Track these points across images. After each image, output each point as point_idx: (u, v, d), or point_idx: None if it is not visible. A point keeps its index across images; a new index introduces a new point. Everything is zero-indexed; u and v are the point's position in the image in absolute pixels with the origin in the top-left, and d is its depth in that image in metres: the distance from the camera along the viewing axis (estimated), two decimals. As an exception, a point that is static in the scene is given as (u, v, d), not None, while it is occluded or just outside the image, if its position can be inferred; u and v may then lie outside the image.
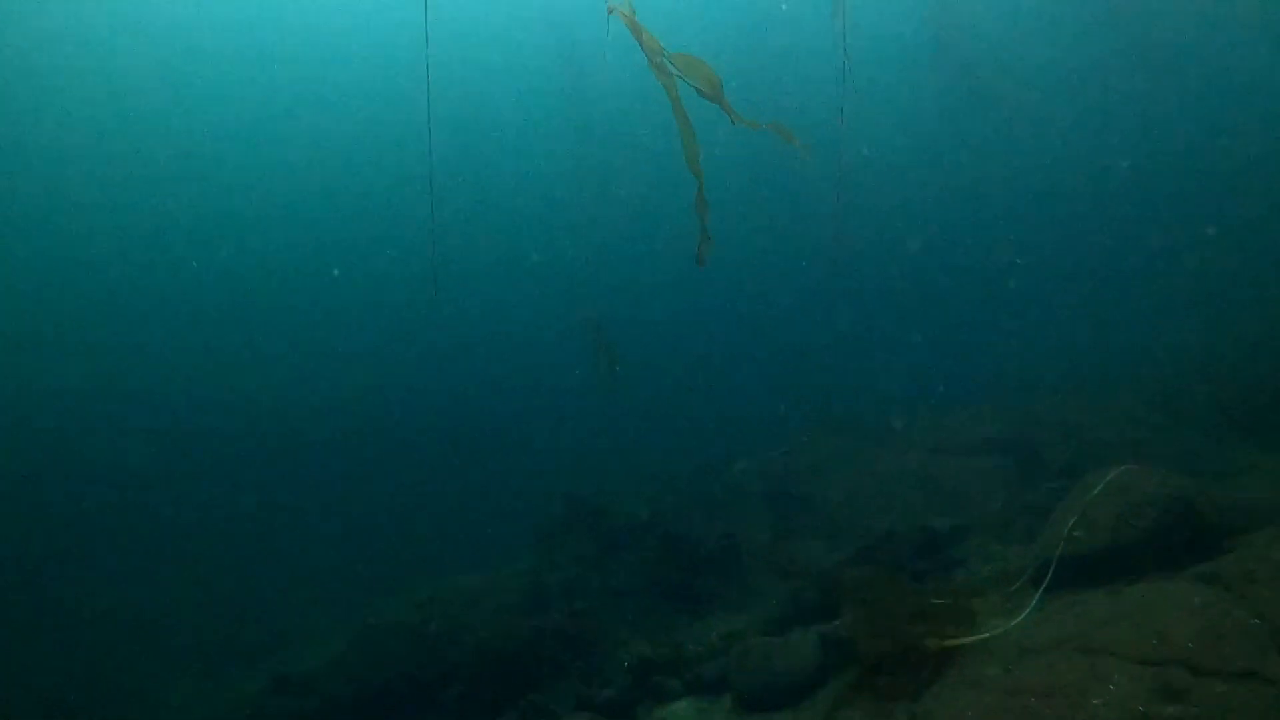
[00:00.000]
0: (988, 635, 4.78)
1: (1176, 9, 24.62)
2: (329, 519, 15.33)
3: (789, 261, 20.15)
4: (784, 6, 22.13)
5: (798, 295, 19.42)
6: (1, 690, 9.59)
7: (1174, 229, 19.57)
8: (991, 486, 9.33)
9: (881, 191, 23.65)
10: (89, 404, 20.69)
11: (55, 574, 13.54)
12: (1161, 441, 8.78)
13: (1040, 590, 5.09)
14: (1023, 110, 25.27)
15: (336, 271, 24.39)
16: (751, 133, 5.82)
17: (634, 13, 4.71)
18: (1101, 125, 25.62)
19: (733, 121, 5.20)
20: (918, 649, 4.91)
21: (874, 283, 19.54)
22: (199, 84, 24.42)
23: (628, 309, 18.05)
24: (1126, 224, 21.47)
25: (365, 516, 15.10)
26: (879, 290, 19.42)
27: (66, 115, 21.18)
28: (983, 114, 24.57)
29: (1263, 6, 23.17)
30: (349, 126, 27.49)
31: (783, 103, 21.52)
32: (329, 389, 20.89)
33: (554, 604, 8.66)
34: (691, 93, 5.27)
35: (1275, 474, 7.30)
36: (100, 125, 22.89)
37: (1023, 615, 4.90)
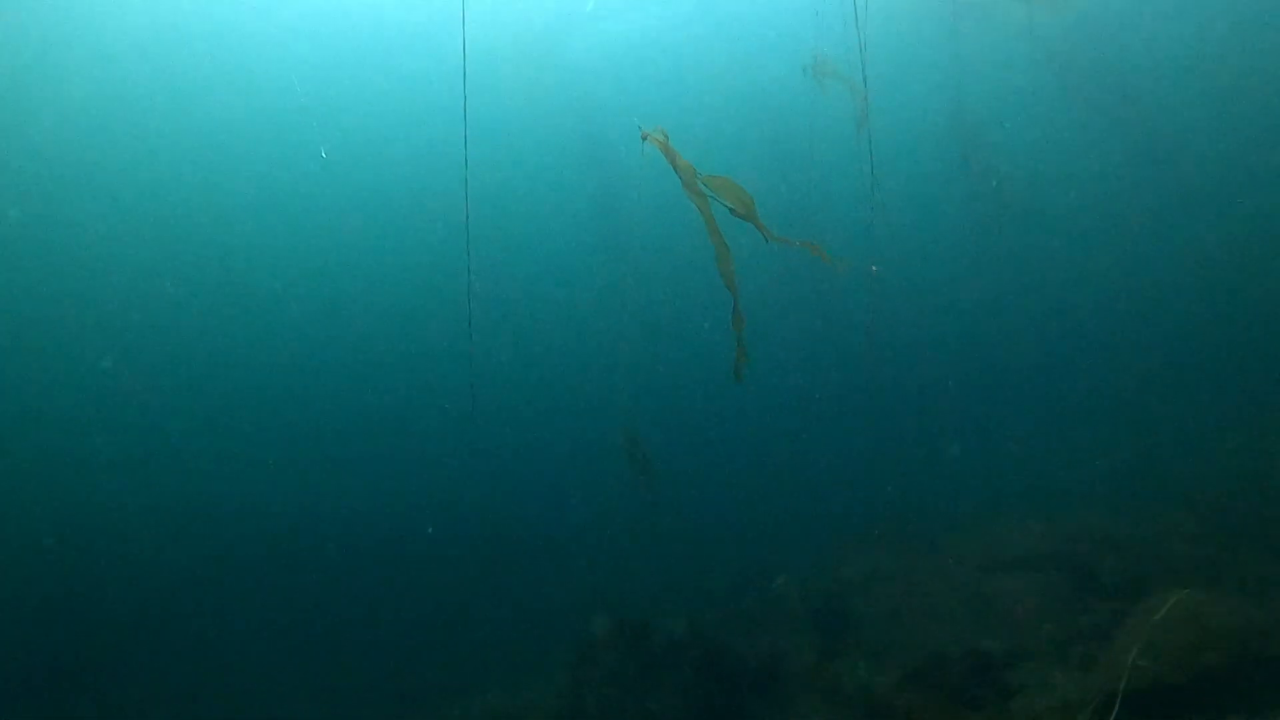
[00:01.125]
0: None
1: (1203, 118, 25.02)
2: (354, 629, 15.00)
3: (825, 371, 20.06)
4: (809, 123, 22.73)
5: (835, 404, 19.24)
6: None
7: (1218, 334, 19.28)
8: (1044, 605, 8.86)
9: (914, 299, 23.68)
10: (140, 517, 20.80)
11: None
12: (1223, 562, 8.31)
13: (1106, 726, 4.71)
14: (1050, 217, 25.46)
15: (370, 385, 24.79)
16: (785, 247, 5.84)
17: (667, 138, 4.81)
18: (1133, 230, 25.66)
19: (766, 239, 5.23)
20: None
21: (911, 390, 19.32)
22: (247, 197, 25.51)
23: (664, 420, 17.96)
24: (1168, 328, 21.22)
25: (394, 627, 14.77)
26: (917, 398, 19.17)
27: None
28: (1010, 222, 24.70)
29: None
30: (383, 252, 28.35)
31: (812, 215, 21.90)
32: (362, 495, 20.87)
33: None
34: (725, 211, 5.33)
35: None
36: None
37: (1089, 754, 4.52)
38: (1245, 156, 26.03)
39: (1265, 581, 7.52)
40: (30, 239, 22.27)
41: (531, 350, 24.95)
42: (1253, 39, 23.49)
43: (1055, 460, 16.34)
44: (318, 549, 18.46)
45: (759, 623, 10.49)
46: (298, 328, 26.04)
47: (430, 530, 18.38)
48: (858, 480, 16.98)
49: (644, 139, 4.76)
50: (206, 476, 21.49)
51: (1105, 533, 10.03)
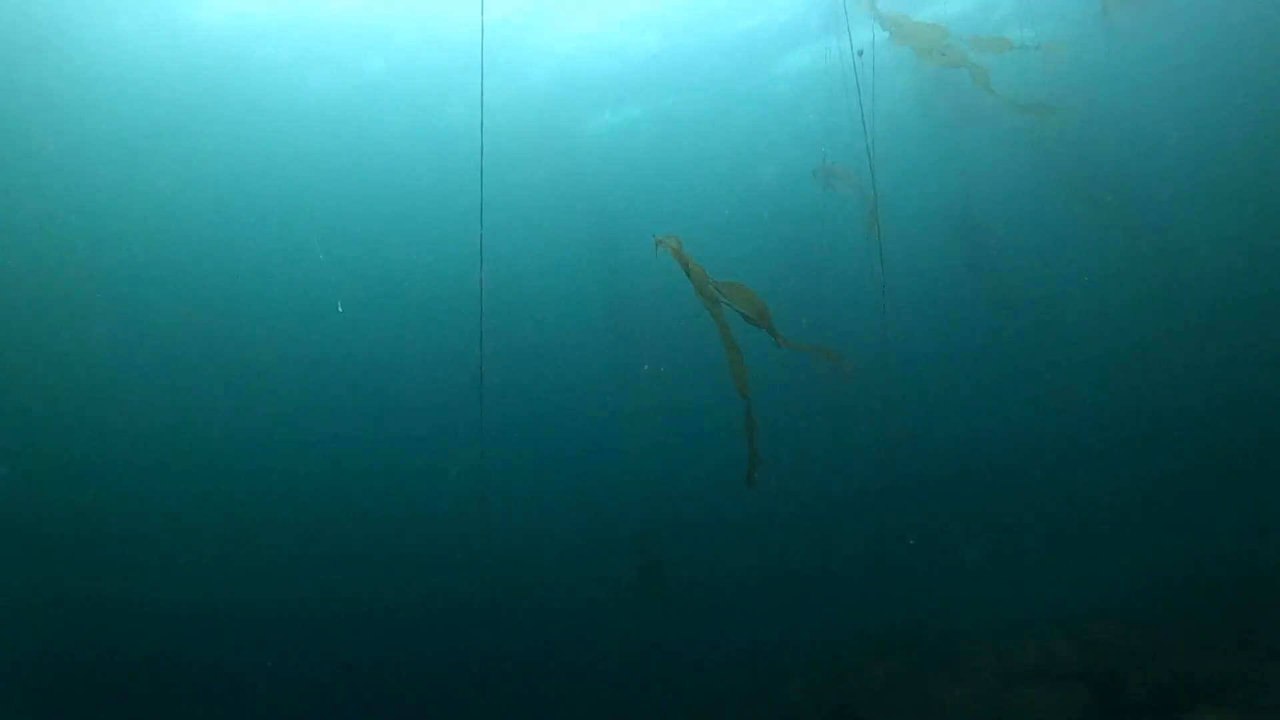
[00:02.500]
0: None
1: (1201, 219, 25.53)
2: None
3: (839, 476, 19.87)
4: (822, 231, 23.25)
5: (849, 509, 18.94)
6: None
7: (1239, 432, 19.08)
8: (1069, 721, 8.50)
9: (927, 401, 23.66)
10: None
11: None
12: (1256, 680, 7.99)
13: None
14: (1058, 317, 25.64)
15: (381, 479, 24.63)
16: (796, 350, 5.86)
17: (680, 244, 4.90)
18: (1139, 332, 25.81)
19: (778, 344, 5.26)
20: None
21: (926, 495, 19.04)
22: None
23: (675, 522, 17.71)
24: (1186, 428, 21.02)
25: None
26: (932, 503, 18.87)
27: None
28: (1019, 323, 24.86)
29: None
30: (396, 344, 28.62)
31: (823, 317, 22.12)
32: (367, 591, 20.45)
33: None
34: (738, 316, 5.38)
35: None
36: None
37: None
38: (1244, 253, 26.46)
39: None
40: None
41: (543, 449, 24.87)
42: (1249, 140, 24.15)
43: (1077, 567, 15.92)
44: (314, 644, 18.01)
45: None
46: (304, 429, 26.01)
47: (429, 632, 17.96)
48: (872, 587, 16.58)
49: (658, 245, 4.85)
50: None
51: (1131, 646, 9.69)
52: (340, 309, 25.17)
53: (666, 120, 24.28)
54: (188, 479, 24.05)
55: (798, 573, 18.15)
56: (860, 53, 7.45)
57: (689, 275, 4.95)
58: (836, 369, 6.06)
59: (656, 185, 26.46)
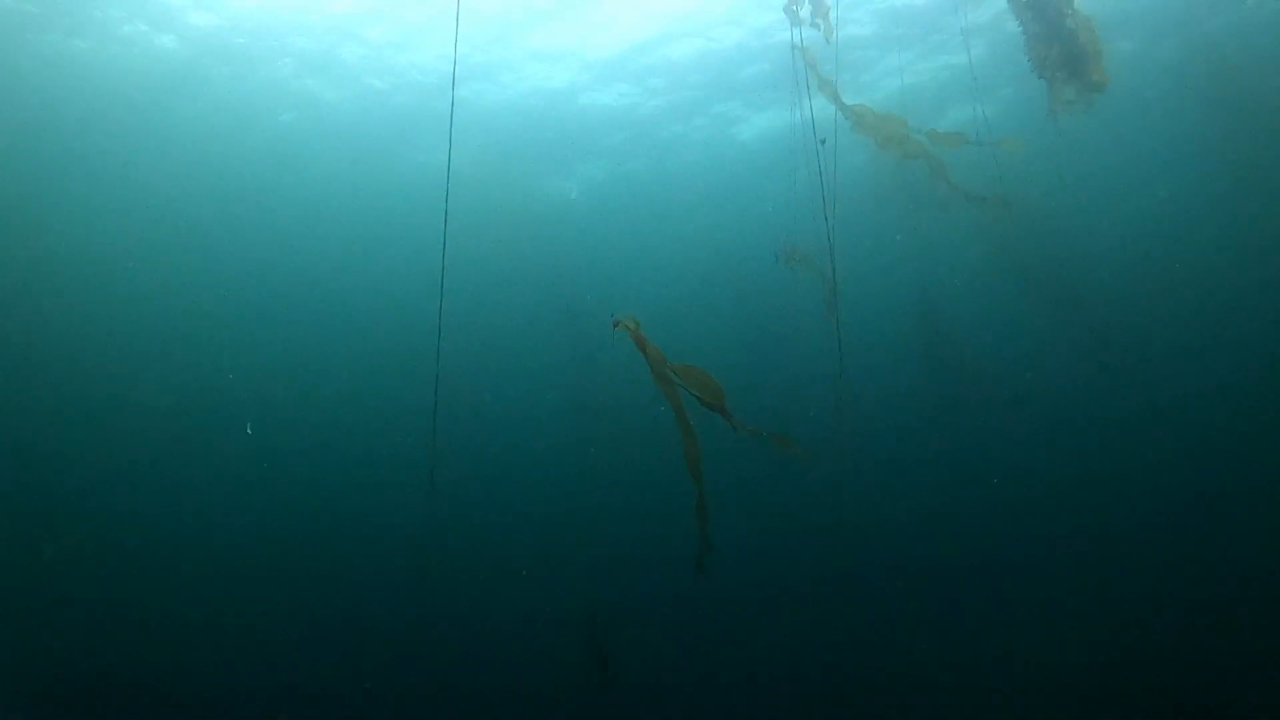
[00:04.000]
0: None
1: (1147, 306, 26.45)
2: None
3: (792, 562, 19.67)
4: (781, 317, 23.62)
5: (801, 596, 18.67)
6: None
7: (1187, 524, 19.33)
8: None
9: (883, 485, 23.70)
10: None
11: None
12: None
13: None
14: (1014, 401, 26.12)
15: (324, 551, 23.88)
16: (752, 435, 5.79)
17: (638, 325, 4.85)
18: (1092, 417, 26.37)
19: (735, 430, 5.18)
20: None
21: (881, 582, 18.86)
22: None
23: (624, 607, 17.30)
24: (1144, 515, 21.27)
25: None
26: (887, 590, 18.69)
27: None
28: (976, 407, 25.23)
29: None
30: (352, 415, 28.18)
31: (781, 399, 22.28)
32: (306, 670, 19.60)
33: None
34: (694, 399, 5.31)
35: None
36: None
37: None
38: (1192, 343, 27.39)
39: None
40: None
41: (492, 527, 24.33)
42: (1196, 234, 25.21)
43: (1037, 654, 15.83)
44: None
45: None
46: (253, 507, 25.22)
47: (374, 691, 17.21)
48: (825, 675, 16.28)
49: (615, 326, 4.79)
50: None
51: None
52: (249, 430, 24.83)
53: (634, 199, 24.68)
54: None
55: (747, 661, 17.78)
56: (823, 141, 7.60)
57: (646, 356, 4.89)
58: (793, 453, 5.98)
59: (621, 260, 26.73)
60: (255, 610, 20.48)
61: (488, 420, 27.29)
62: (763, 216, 21.87)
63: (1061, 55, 8.16)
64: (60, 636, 18.33)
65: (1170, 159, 22.87)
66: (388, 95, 18.28)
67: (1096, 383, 26.35)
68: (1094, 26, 8.01)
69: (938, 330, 24.32)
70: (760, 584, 18.43)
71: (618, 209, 24.56)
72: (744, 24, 16.73)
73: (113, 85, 16.69)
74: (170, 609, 20.76)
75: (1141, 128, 20.62)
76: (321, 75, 17.41)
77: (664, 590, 16.76)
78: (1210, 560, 17.82)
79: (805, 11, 8.08)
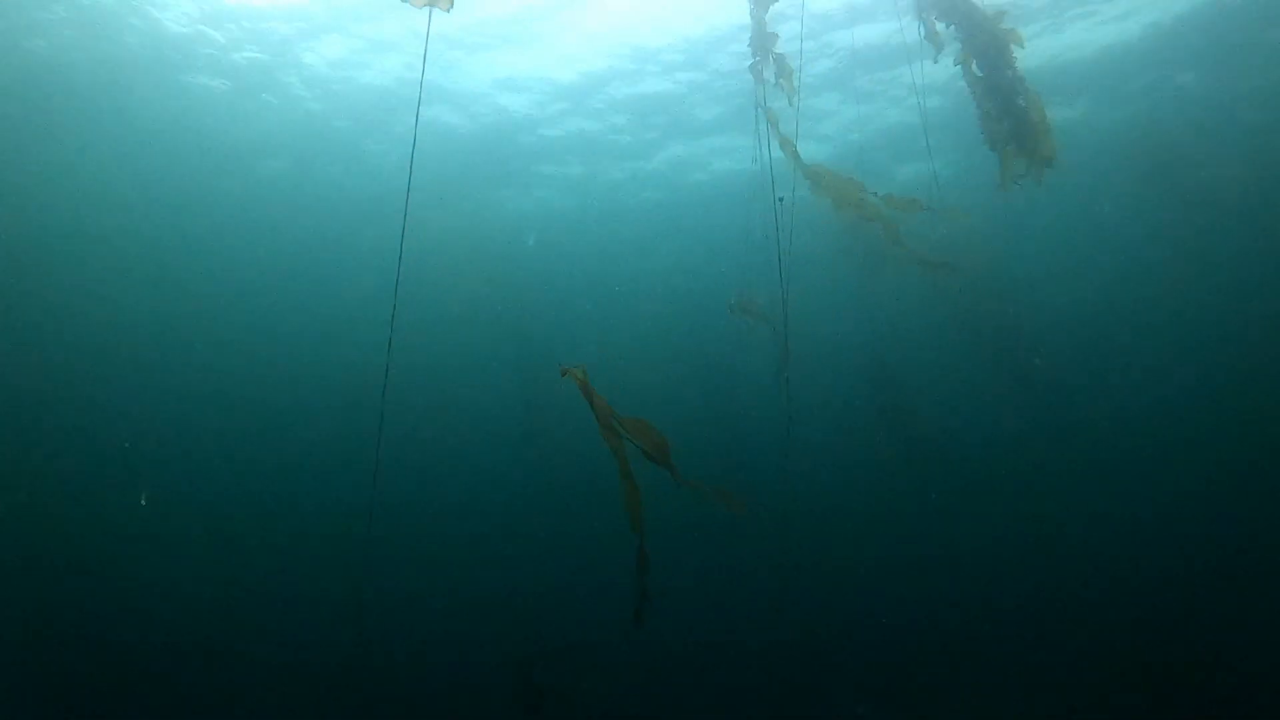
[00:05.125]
0: None
1: (1094, 372, 27.28)
2: None
3: (735, 622, 19.56)
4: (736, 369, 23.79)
5: (745, 656, 18.52)
6: None
7: (1131, 589, 19.67)
8: None
9: (829, 544, 23.81)
10: None
11: None
12: None
13: None
14: (963, 463, 26.57)
15: (254, 590, 23.21)
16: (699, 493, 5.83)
17: (586, 375, 4.87)
18: (1042, 483, 26.95)
19: (678, 483, 5.21)
20: None
21: (826, 646, 18.75)
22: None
23: (561, 659, 17.00)
24: (1089, 579, 21.57)
25: None
26: (832, 654, 18.59)
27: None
28: (925, 468, 25.60)
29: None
30: (292, 445, 27.70)
31: (728, 452, 22.37)
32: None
33: None
34: (638, 451, 5.33)
35: None
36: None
37: None
38: (1133, 405, 28.31)
39: None
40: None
41: (427, 560, 23.90)
42: (1138, 301, 26.17)
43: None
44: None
45: None
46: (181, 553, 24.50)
47: None
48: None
49: (563, 375, 4.81)
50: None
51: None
52: (143, 501, 24.38)
53: (587, 245, 24.84)
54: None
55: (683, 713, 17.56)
56: (781, 199, 7.76)
57: (592, 406, 4.91)
58: (737, 508, 6.01)
59: (574, 305, 26.83)
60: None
61: (431, 459, 27.00)
62: (719, 265, 22.17)
63: (1012, 130, 8.48)
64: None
65: (1115, 227, 23.83)
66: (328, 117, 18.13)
67: (1038, 442, 27.01)
68: (1042, 105, 8.36)
69: (887, 388, 24.77)
70: (701, 645, 18.25)
71: (570, 251, 24.72)
72: (706, 66, 16.99)
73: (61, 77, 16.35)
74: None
75: (1087, 198, 21.47)
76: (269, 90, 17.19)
77: (602, 637, 16.54)
78: (1156, 623, 18.14)
79: (769, 72, 8.30)
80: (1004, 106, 8.23)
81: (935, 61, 8.42)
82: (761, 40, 7.72)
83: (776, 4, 7.79)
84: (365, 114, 17.96)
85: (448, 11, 5.34)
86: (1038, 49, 15.96)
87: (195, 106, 17.34)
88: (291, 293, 25.12)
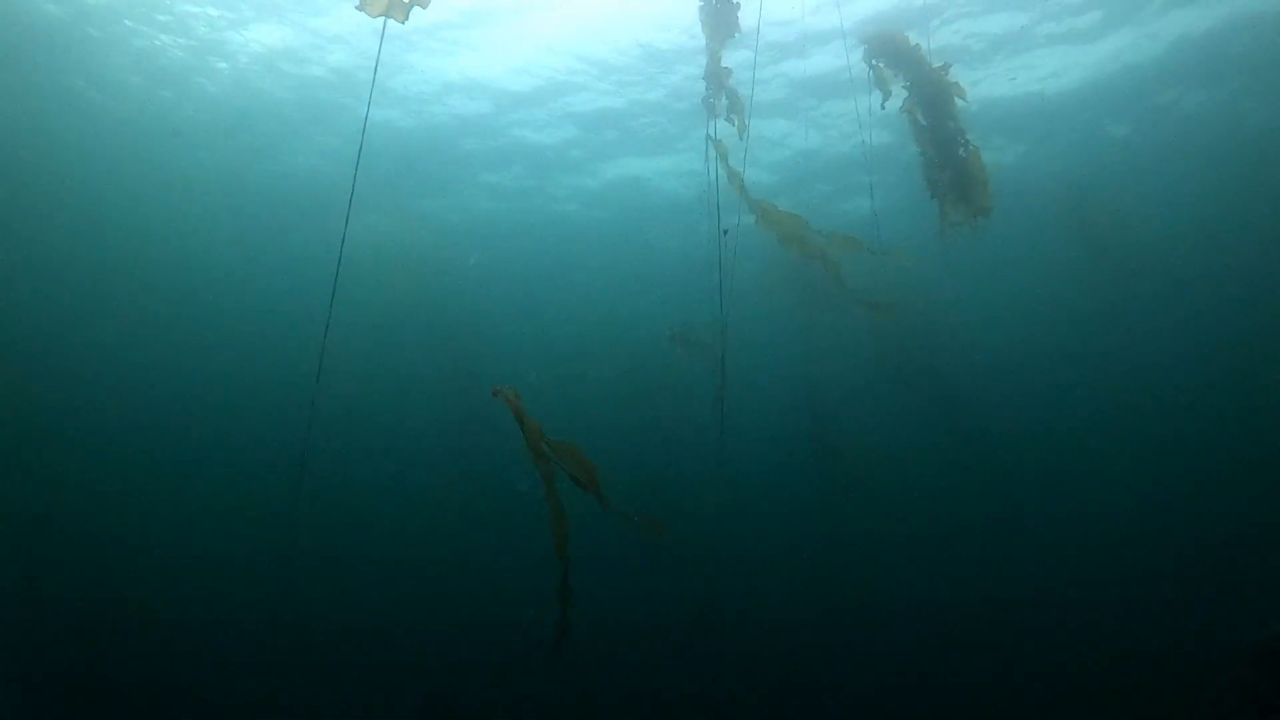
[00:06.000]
0: None
1: (1018, 412, 28.15)
2: None
3: (655, 650, 19.44)
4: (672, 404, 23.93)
5: (663, 688, 18.36)
6: None
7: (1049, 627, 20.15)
8: None
9: (757, 574, 23.99)
10: None
11: None
12: None
13: None
14: (892, 501, 27.10)
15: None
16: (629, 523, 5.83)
17: (518, 396, 4.86)
18: (968, 518, 27.63)
19: (603, 509, 5.21)
20: None
21: (751, 675, 18.72)
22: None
23: (476, 685, 16.70)
24: (1012, 621, 22.03)
25: None
26: (757, 686, 18.52)
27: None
28: (856, 501, 26.00)
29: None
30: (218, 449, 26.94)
31: (661, 481, 22.47)
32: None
33: None
34: (566, 477, 5.33)
35: None
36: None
37: None
38: (1056, 449, 29.32)
39: None
40: None
41: (344, 586, 23.33)
42: (1066, 343, 27.15)
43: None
44: None
45: None
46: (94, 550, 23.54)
47: None
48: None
49: (495, 395, 4.80)
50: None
51: None
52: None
53: (527, 270, 24.77)
54: None
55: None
56: (726, 231, 7.86)
57: (522, 428, 4.90)
58: (664, 539, 6.04)
59: (514, 329, 26.70)
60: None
61: (357, 471, 26.54)
62: (661, 289, 22.34)
63: (952, 180, 8.77)
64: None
65: (1044, 276, 24.71)
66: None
67: (966, 483, 27.73)
68: (981, 158, 8.67)
69: (822, 423, 25.17)
70: (619, 680, 18.03)
71: (511, 265, 24.60)
72: (659, 83, 17.09)
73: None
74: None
75: (1020, 248, 22.22)
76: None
77: (519, 670, 16.32)
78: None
79: (721, 105, 8.44)
80: (945, 156, 8.52)
81: (883, 108, 8.67)
82: (716, 74, 7.86)
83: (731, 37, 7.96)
84: (309, 106, 17.58)
85: (403, 23, 5.34)
86: (976, 94, 16.52)
87: (121, 88, 16.77)
88: (219, 288, 24.46)
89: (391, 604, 22.06)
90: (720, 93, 7.91)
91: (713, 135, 8.50)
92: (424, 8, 5.49)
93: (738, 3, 7.55)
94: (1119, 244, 21.73)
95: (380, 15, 5.26)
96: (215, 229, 22.19)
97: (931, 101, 8.25)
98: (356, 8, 5.41)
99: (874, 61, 8.26)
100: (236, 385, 26.63)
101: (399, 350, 26.30)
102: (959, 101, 8.43)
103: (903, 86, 8.21)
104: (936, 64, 8.31)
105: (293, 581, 20.73)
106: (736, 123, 8.66)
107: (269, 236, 22.55)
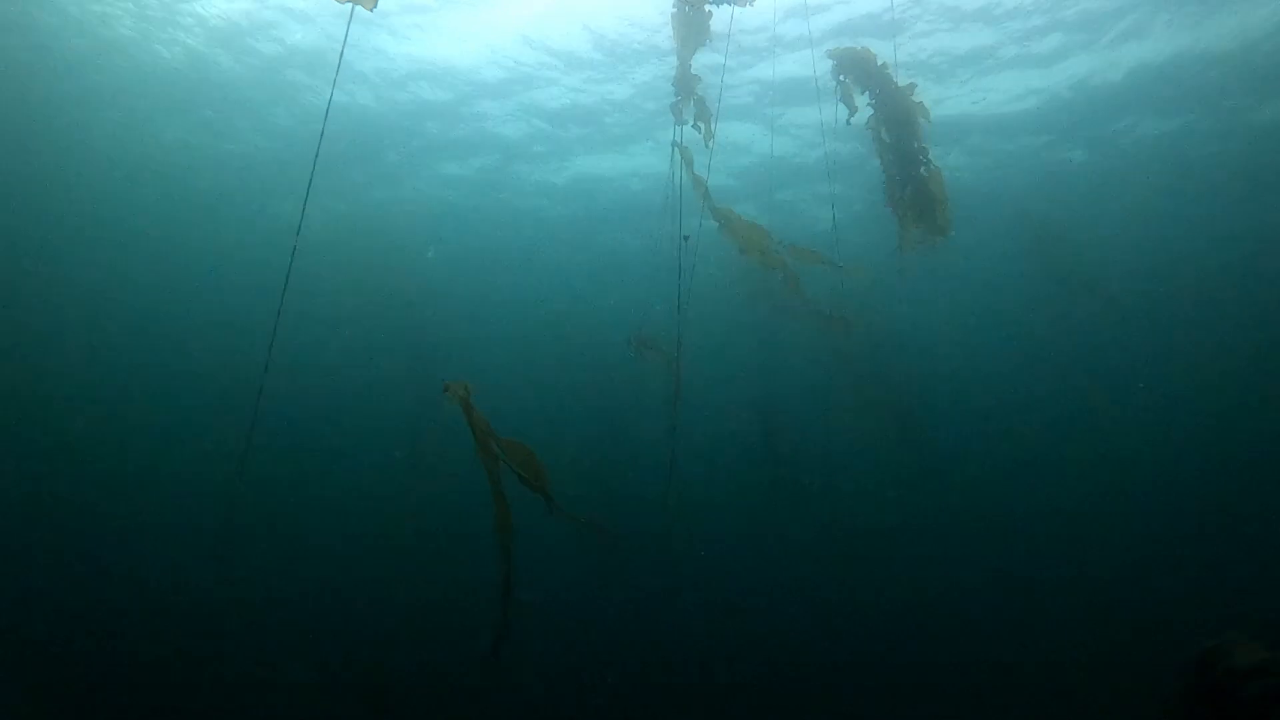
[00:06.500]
0: None
1: (966, 422, 28.72)
2: None
3: (599, 657, 19.41)
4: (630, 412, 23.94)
5: (607, 697, 18.32)
6: None
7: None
8: None
9: (707, 585, 24.14)
10: None
11: None
12: None
13: None
14: (844, 504, 27.49)
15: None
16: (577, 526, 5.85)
17: (469, 393, 4.86)
18: (919, 526, 28.12)
19: (550, 511, 5.23)
20: None
21: (698, 686, 18.73)
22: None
23: (412, 685, 16.54)
24: (973, 630, 22.44)
25: None
26: (706, 695, 18.55)
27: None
28: (810, 510, 26.27)
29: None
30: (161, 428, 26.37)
31: (612, 486, 22.47)
32: None
33: None
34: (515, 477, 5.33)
35: None
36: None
37: None
38: (1007, 460, 29.97)
39: None
40: None
41: (287, 578, 22.98)
42: (1014, 356, 27.77)
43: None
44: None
45: None
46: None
47: None
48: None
49: (445, 390, 4.80)
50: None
51: None
52: None
53: (488, 271, 24.59)
54: None
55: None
56: (687, 237, 7.91)
57: (471, 426, 4.90)
58: (611, 546, 6.10)
59: (472, 326, 26.49)
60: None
61: (305, 462, 26.17)
62: (621, 290, 22.31)
63: (913, 198, 8.93)
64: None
65: (996, 291, 25.23)
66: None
67: (917, 496, 28.21)
68: (942, 178, 8.85)
69: (775, 429, 25.43)
70: (560, 686, 17.97)
71: (469, 258, 24.40)
72: (629, 80, 17.07)
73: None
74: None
75: (974, 264, 22.63)
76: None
77: (455, 670, 16.22)
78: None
79: (689, 112, 8.51)
80: (907, 174, 8.68)
81: (849, 123, 8.80)
82: (685, 81, 7.92)
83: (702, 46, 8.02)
84: (265, 85, 17.18)
85: (370, 10, 5.31)
86: (939, 112, 16.80)
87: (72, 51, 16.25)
88: (164, 268, 23.83)
89: (329, 600, 21.83)
90: (689, 100, 7.97)
91: (679, 142, 8.57)
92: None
93: (709, 10, 7.61)
94: (1070, 263, 22.35)
95: (348, 1, 5.22)
96: (163, 208, 21.60)
97: (896, 119, 8.41)
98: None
99: (841, 77, 8.39)
100: (176, 374, 26.06)
101: (352, 342, 25.98)
102: (922, 121, 8.61)
103: (868, 104, 8.35)
104: (903, 83, 8.47)
105: (231, 578, 20.40)
106: (703, 130, 8.74)
107: (218, 217, 22.03)
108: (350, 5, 5.54)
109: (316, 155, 5.49)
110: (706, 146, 8.25)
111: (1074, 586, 24.39)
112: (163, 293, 24.28)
